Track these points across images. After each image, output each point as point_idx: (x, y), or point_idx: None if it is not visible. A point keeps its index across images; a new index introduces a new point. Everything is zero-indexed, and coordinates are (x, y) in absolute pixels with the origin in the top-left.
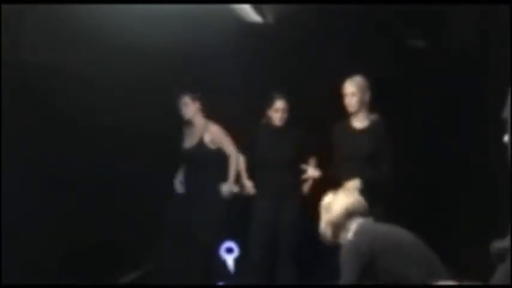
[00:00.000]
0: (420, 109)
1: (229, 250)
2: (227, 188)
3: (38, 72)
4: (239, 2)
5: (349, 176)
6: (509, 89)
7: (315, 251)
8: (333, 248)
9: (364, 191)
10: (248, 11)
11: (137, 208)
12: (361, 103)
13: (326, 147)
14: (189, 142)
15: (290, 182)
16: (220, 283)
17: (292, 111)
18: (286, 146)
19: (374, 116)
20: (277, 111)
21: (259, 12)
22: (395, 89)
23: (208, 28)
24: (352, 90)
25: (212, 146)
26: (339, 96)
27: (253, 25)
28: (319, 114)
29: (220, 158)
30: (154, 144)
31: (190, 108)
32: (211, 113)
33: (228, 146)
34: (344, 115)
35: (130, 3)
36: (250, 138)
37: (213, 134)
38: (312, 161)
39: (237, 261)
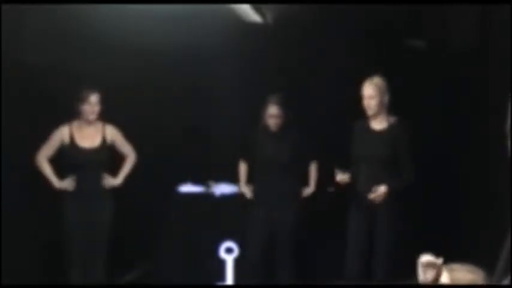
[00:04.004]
0: (420, 109)
1: (229, 250)
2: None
3: (38, 72)
4: (239, 2)
5: (364, 177)
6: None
7: (315, 252)
8: (333, 249)
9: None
10: (248, 11)
11: (137, 208)
12: (380, 106)
13: (326, 147)
14: (88, 142)
15: (288, 184)
16: (220, 283)
17: (290, 113)
18: (284, 148)
19: (393, 119)
20: (272, 117)
21: (259, 12)
22: (395, 90)
23: (208, 28)
24: (371, 92)
25: (112, 147)
26: (339, 97)
27: (253, 25)
28: (319, 115)
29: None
30: (153, 144)
31: (97, 107)
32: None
33: (128, 147)
34: (343, 116)
35: (131, 3)
36: (249, 140)
37: (114, 135)
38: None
39: (237, 261)
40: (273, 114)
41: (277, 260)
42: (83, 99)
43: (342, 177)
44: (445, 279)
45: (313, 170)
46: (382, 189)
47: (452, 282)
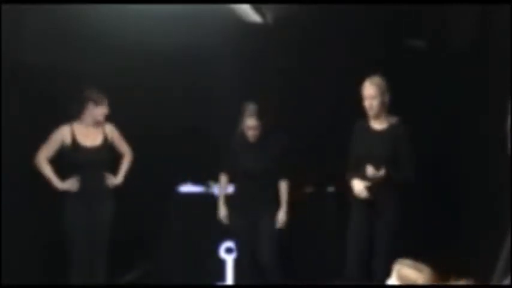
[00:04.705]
0: (420, 109)
1: (229, 250)
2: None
3: (38, 72)
4: (239, 2)
5: (364, 177)
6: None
7: (314, 252)
8: (332, 249)
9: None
10: (248, 11)
11: (137, 208)
12: (381, 106)
13: (325, 147)
14: (89, 141)
15: (267, 192)
16: (220, 283)
17: (267, 122)
18: (262, 157)
19: (393, 119)
20: (249, 129)
21: (259, 12)
22: (395, 90)
23: (208, 28)
24: (372, 93)
25: (112, 145)
26: (339, 97)
27: (253, 25)
28: (319, 114)
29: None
30: (153, 144)
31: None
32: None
33: (125, 146)
34: (343, 116)
35: (131, 3)
36: (228, 147)
37: (113, 133)
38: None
39: (237, 261)
40: (250, 126)
41: (264, 267)
42: (97, 102)
43: (374, 172)
44: (393, 275)
45: (283, 189)
46: (381, 171)
47: (399, 279)
